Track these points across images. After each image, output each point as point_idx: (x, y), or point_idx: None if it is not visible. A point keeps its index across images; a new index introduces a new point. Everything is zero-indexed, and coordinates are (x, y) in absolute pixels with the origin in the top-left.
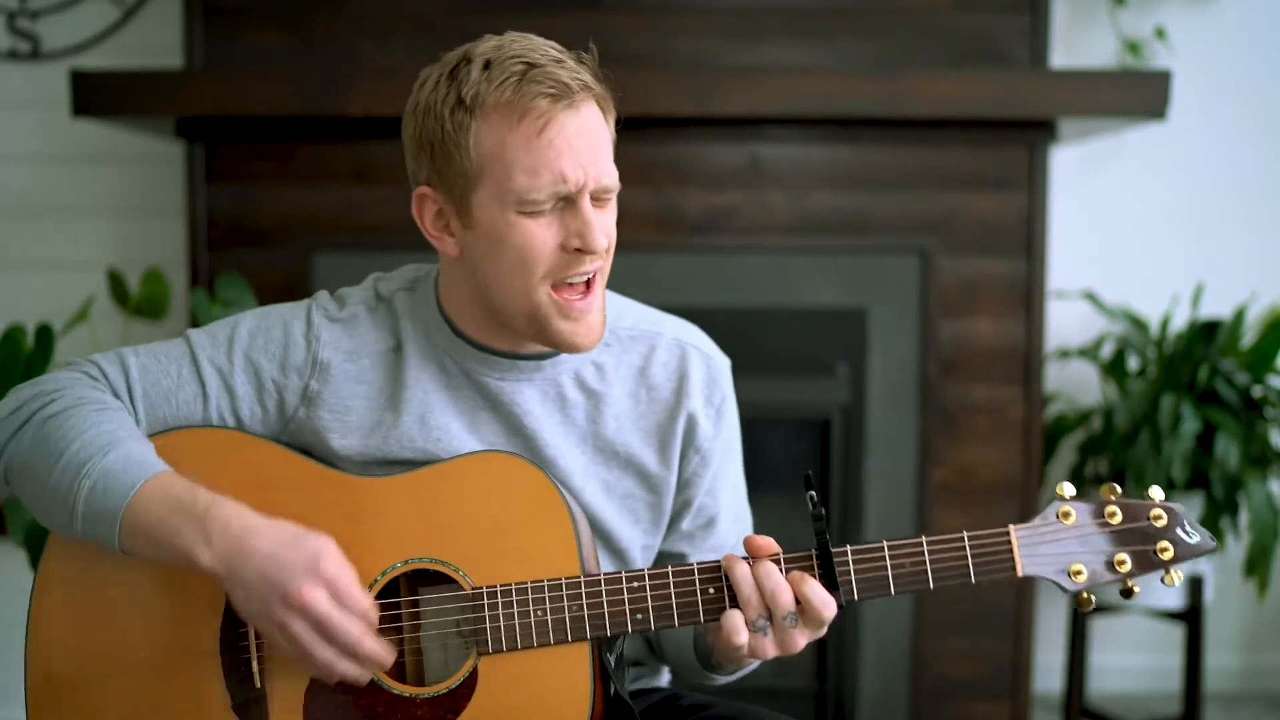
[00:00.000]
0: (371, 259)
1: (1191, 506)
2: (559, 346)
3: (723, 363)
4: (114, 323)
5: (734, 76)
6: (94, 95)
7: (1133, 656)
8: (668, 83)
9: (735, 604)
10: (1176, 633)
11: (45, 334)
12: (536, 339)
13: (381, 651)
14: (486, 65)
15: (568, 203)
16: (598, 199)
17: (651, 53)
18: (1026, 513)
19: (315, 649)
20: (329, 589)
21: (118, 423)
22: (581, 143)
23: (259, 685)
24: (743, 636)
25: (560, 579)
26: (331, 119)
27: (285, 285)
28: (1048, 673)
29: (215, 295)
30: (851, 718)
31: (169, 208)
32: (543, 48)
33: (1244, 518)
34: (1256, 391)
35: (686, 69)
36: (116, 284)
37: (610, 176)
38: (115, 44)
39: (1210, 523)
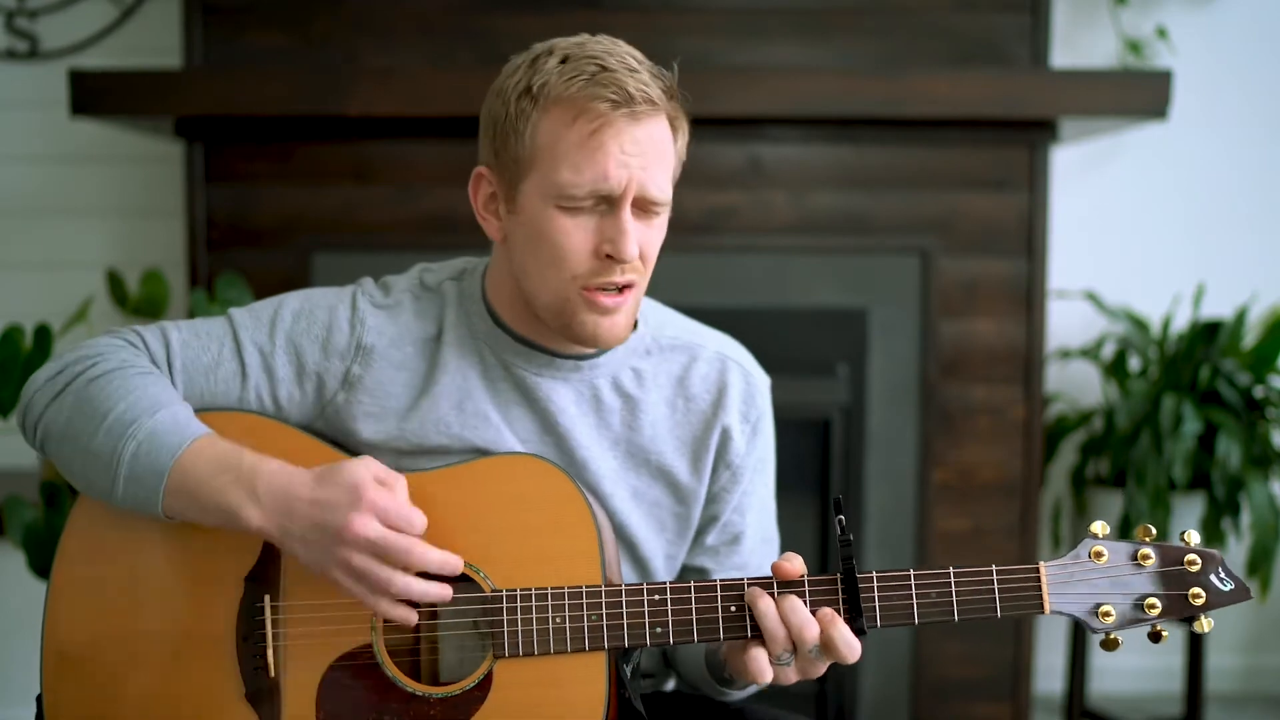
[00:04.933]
0: (371, 259)
1: (1193, 507)
2: (580, 339)
3: (763, 381)
4: (113, 323)
5: (734, 76)
6: (93, 95)
7: (1133, 657)
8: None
9: (756, 632)
10: (1177, 633)
11: (44, 334)
12: (562, 332)
13: (451, 559)
14: (564, 60)
15: (609, 207)
16: (642, 210)
17: (651, 53)
18: (1027, 513)
19: (385, 577)
20: (377, 514)
21: (161, 387)
22: (634, 150)
23: (273, 674)
24: (768, 676)
25: (581, 586)
26: (331, 119)
27: (284, 285)
28: (1049, 674)
29: (214, 295)
30: (851, 718)
31: (168, 208)
32: (623, 54)
33: (1245, 518)
34: (1258, 392)
35: (686, 69)
36: (115, 284)
37: (659, 188)
38: (114, 44)
39: (1211, 523)
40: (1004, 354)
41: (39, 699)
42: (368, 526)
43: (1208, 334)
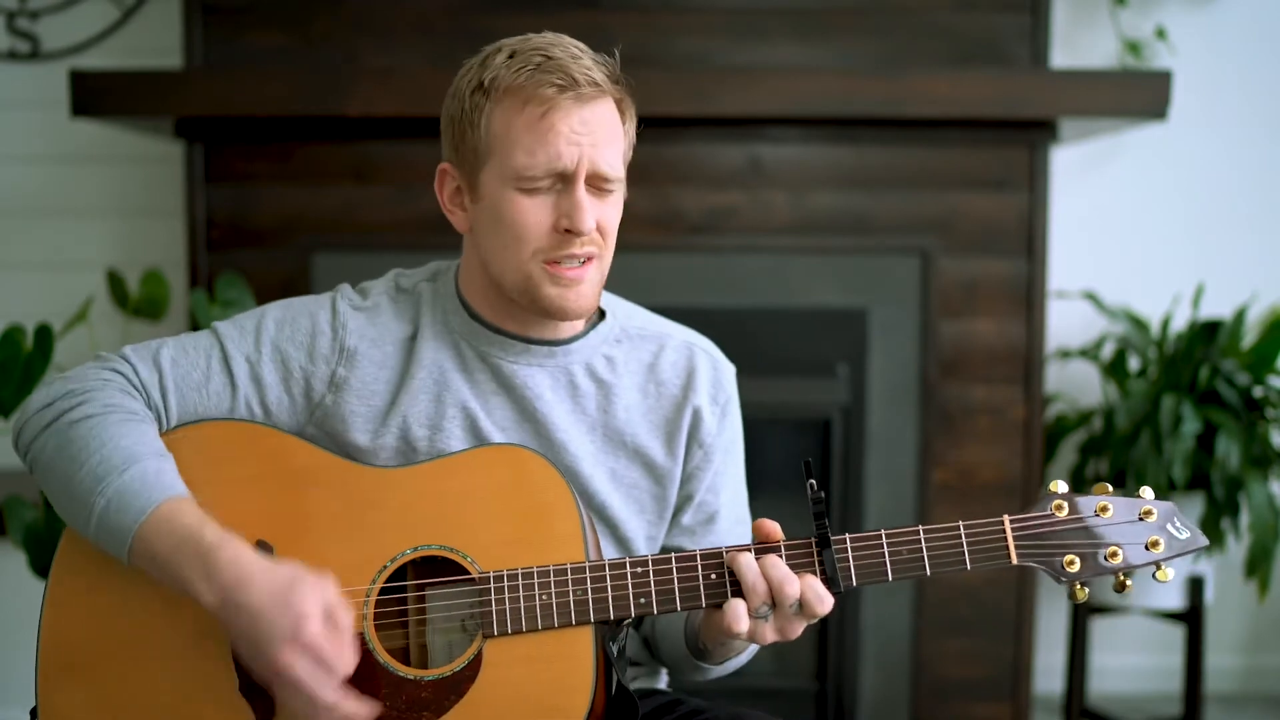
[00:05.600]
0: (371, 259)
1: (1192, 507)
2: (548, 312)
3: (728, 368)
4: (113, 323)
5: (734, 76)
6: (93, 95)
7: (1133, 657)
8: (668, 83)
9: (737, 591)
10: (1177, 633)
11: (44, 334)
12: (530, 308)
13: (362, 711)
14: (511, 55)
15: (563, 184)
16: (596, 187)
17: (651, 53)
18: None
19: (299, 705)
20: (309, 654)
21: (138, 436)
22: (583, 130)
23: None
24: (744, 624)
25: (566, 564)
26: (331, 119)
27: (285, 285)
28: (1048, 674)
29: (215, 296)
30: (851, 718)
31: (168, 208)
32: (566, 44)
33: (1245, 518)
34: (1257, 392)
35: (686, 69)
36: (116, 284)
37: (609, 165)
38: (115, 44)
39: (1211, 523)
40: (1004, 354)
41: (33, 712)
42: (294, 665)
43: (1207, 334)
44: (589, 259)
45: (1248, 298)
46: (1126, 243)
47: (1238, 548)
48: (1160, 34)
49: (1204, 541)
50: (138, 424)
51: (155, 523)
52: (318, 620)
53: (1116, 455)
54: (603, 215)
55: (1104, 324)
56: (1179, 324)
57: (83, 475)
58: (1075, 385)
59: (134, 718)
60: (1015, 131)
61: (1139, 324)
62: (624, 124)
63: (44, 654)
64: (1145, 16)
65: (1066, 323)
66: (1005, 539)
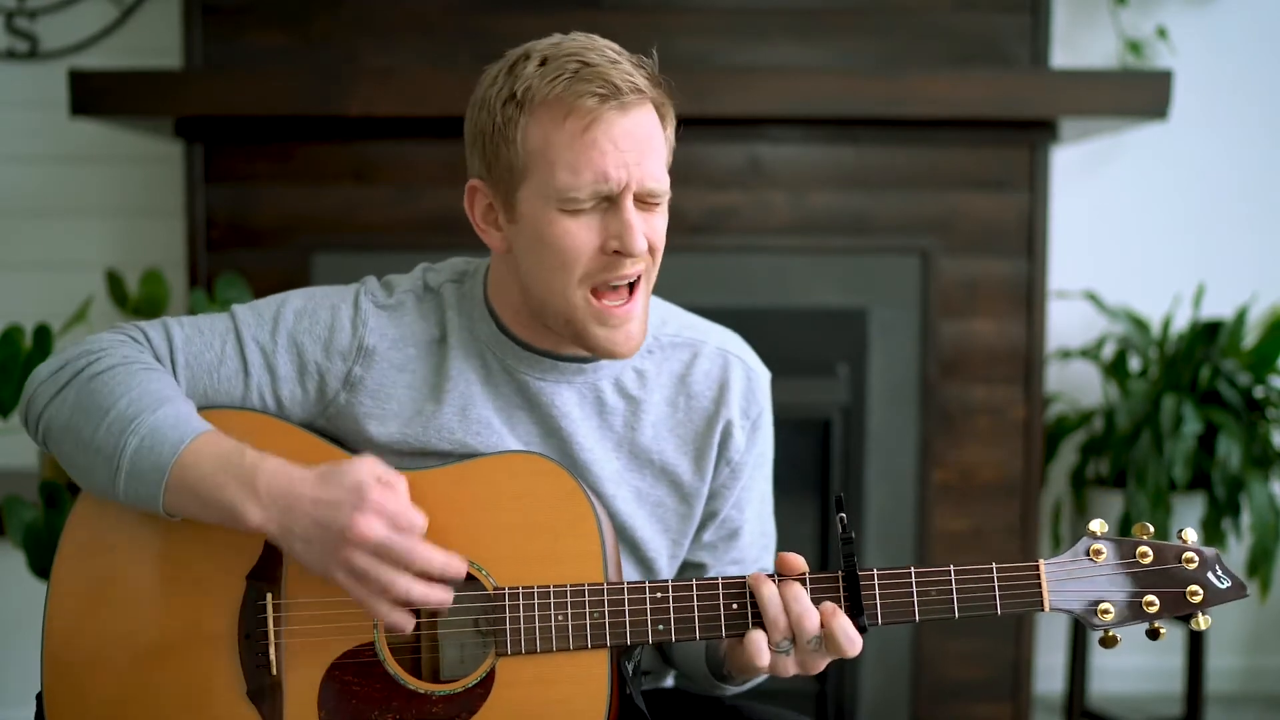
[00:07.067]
0: (371, 259)
1: (1193, 507)
2: (596, 352)
3: (764, 375)
4: (113, 323)
5: (734, 76)
6: (93, 95)
7: (1134, 658)
8: (668, 83)
9: (758, 622)
10: (1177, 633)
11: (43, 334)
12: (575, 342)
13: (454, 562)
14: (543, 62)
15: (609, 203)
16: (643, 201)
17: (651, 53)
18: (1027, 514)
19: (388, 579)
20: (381, 515)
21: (164, 382)
22: (627, 144)
23: (275, 673)
24: (765, 658)
25: (583, 584)
26: (331, 119)
27: (284, 286)
28: (1049, 674)
29: (214, 296)
30: (851, 718)
31: (168, 208)
32: (601, 48)
33: (1245, 519)
34: (1258, 392)
35: (686, 69)
36: (115, 284)
37: (656, 180)
38: (114, 44)
39: (1212, 524)
40: (1004, 354)
41: (39, 697)
42: (372, 528)
43: (1208, 334)
44: (636, 281)
45: (1248, 298)
46: (1126, 243)
47: (1239, 548)
48: (1161, 34)
49: (1245, 592)
50: (160, 373)
51: (193, 452)
52: (375, 484)
53: (1117, 455)
54: (651, 230)
55: (1104, 324)
56: (1180, 324)
57: (110, 420)
58: (1075, 385)
59: (139, 715)
60: (1015, 131)
61: (1139, 324)
62: (665, 129)
63: (48, 646)
64: (1146, 16)
65: (1067, 323)
66: (1039, 584)
